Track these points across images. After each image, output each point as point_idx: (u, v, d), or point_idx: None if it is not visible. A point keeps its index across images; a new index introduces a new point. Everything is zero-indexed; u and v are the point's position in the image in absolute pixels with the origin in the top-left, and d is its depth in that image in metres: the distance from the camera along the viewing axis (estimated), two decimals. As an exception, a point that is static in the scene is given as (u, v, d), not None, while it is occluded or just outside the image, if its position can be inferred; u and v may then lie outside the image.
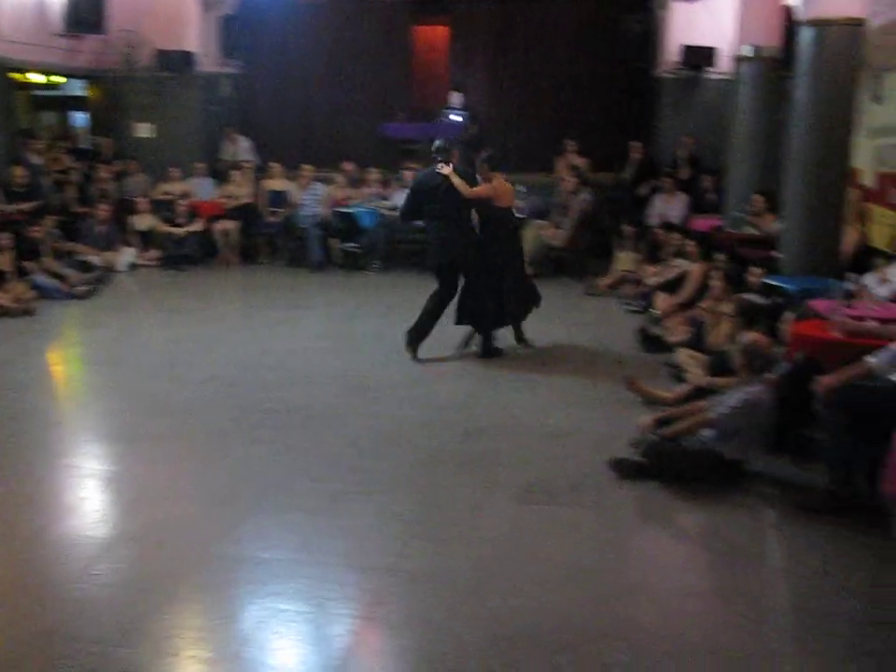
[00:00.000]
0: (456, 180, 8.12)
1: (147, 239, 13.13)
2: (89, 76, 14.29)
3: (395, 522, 4.77)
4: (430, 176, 8.31)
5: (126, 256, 12.72)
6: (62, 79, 14.62)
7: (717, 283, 7.75)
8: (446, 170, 8.18)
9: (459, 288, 8.46)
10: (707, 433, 5.42)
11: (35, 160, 12.56)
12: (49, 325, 9.69)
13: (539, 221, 12.29)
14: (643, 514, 5.11)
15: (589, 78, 14.91)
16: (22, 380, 7.54)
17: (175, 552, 4.47)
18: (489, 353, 8.36)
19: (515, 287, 8.53)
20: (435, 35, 16.21)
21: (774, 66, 10.64)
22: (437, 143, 8.39)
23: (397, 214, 12.38)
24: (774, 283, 7.57)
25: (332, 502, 5.02)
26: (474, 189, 8.24)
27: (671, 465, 5.39)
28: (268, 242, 13.52)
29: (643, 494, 5.24)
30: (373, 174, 13.67)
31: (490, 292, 8.36)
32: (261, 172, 14.12)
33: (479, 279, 8.38)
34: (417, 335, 8.30)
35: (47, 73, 13.93)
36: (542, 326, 9.50)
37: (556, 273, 12.14)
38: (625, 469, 5.43)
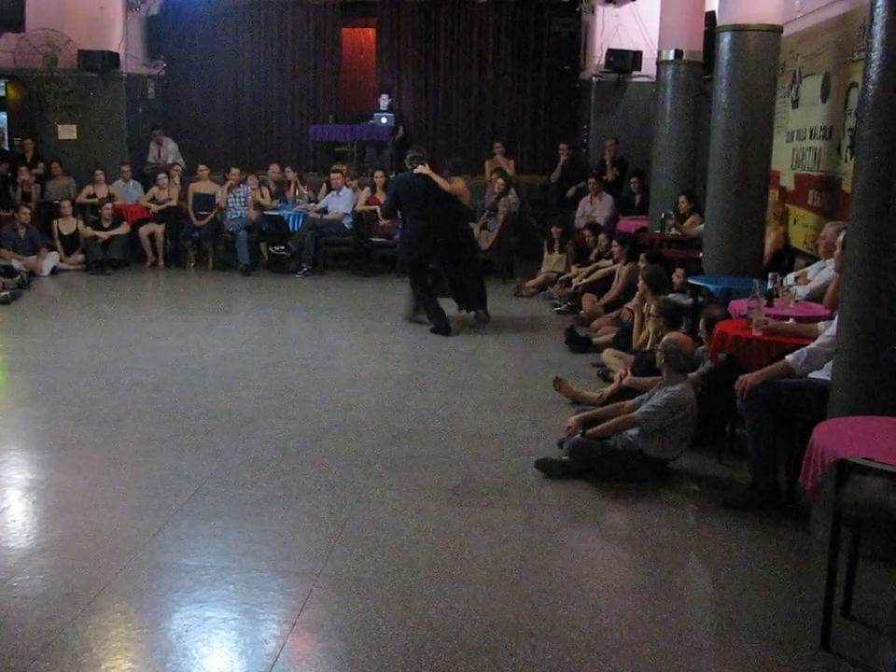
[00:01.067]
0: (439, 179, 9.20)
1: (71, 243, 12.91)
2: (7, 75, 13.99)
3: (320, 526, 4.75)
4: (408, 178, 9.25)
5: (50, 260, 12.50)
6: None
7: (641, 283, 7.85)
8: (425, 170, 9.15)
9: (447, 280, 9.56)
10: (631, 432, 5.49)
11: (-47, 162, 12.28)
12: (-31, 331, 9.48)
13: (466, 223, 12.32)
14: (569, 514, 5.15)
15: (517, 81, 15.03)
16: (-60, 388, 7.37)
17: (98, 561, 4.39)
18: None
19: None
20: (363, 36, 16.22)
21: (695, 70, 10.82)
22: (411, 153, 9.40)
23: (323, 217, 12.42)
24: (697, 283, 7.69)
25: (258, 507, 4.99)
26: (452, 185, 9.26)
27: (596, 464, 5.45)
28: (195, 245, 13.38)
29: (569, 493, 5.29)
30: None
31: (475, 275, 9.66)
32: (188, 174, 13.97)
33: (459, 267, 9.46)
34: (436, 320, 9.32)
35: (-38, 72, 13.62)
36: (469, 327, 9.56)
37: (484, 274, 12.16)
38: (551, 469, 5.48)
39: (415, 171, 9.17)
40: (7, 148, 14.41)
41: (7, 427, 6.65)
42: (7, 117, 14.80)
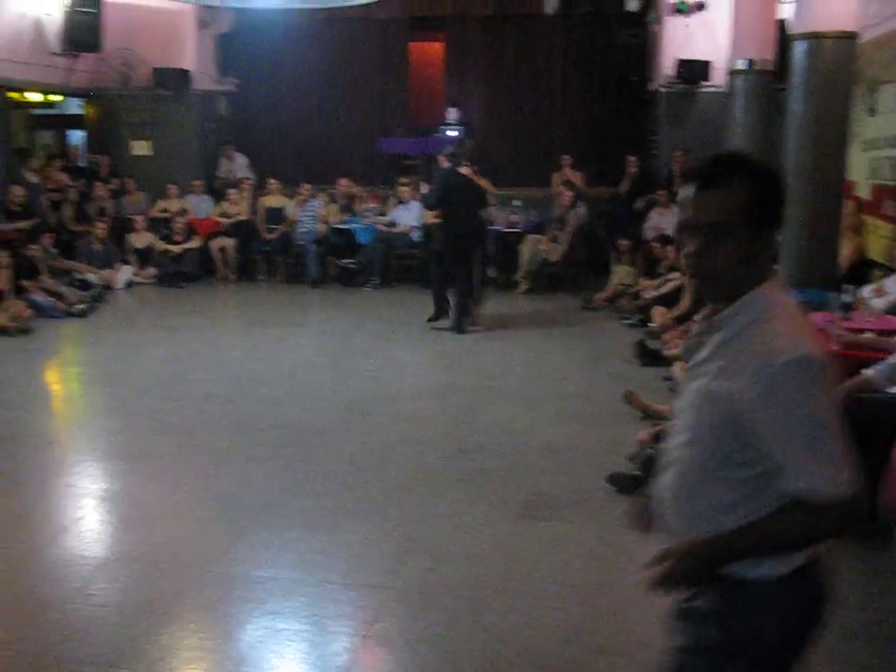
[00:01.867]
0: (482, 180, 10.30)
1: (144, 257, 13.15)
2: (86, 94, 14.33)
3: (391, 539, 4.76)
4: (453, 174, 9.94)
5: (124, 273, 12.73)
6: (58, 98, 14.65)
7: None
8: (468, 170, 10.01)
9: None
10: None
11: (33, 178, 12.58)
12: (47, 343, 9.68)
13: (535, 236, 12.29)
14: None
15: (584, 93, 14.96)
16: (19, 399, 7.53)
17: (172, 571, 4.45)
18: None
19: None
20: (431, 51, 16.28)
21: (767, 79, 10.67)
22: (450, 148, 10.22)
23: (392, 230, 12.49)
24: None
25: (329, 520, 5.01)
26: (484, 182, 10.49)
27: (669, 479, 5.37)
28: (265, 259, 13.52)
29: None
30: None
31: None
32: (259, 189, 14.15)
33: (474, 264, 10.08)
34: (459, 315, 9.88)
35: (44, 92, 13.96)
36: (539, 340, 9.54)
37: (553, 287, 12.15)
38: (623, 484, 5.41)
39: (459, 169, 10.04)
40: (83, 165, 14.74)
41: (83, 437, 6.79)
42: (86, 134, 15.17)
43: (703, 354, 2.12)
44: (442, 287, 10.23)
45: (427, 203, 10.81)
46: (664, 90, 13.35)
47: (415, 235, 12.62)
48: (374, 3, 12.32)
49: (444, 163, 10.20)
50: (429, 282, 10.51)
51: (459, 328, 9.86)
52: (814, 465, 1.93)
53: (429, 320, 10.16)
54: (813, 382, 1.92)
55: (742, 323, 2.02)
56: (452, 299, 10.11)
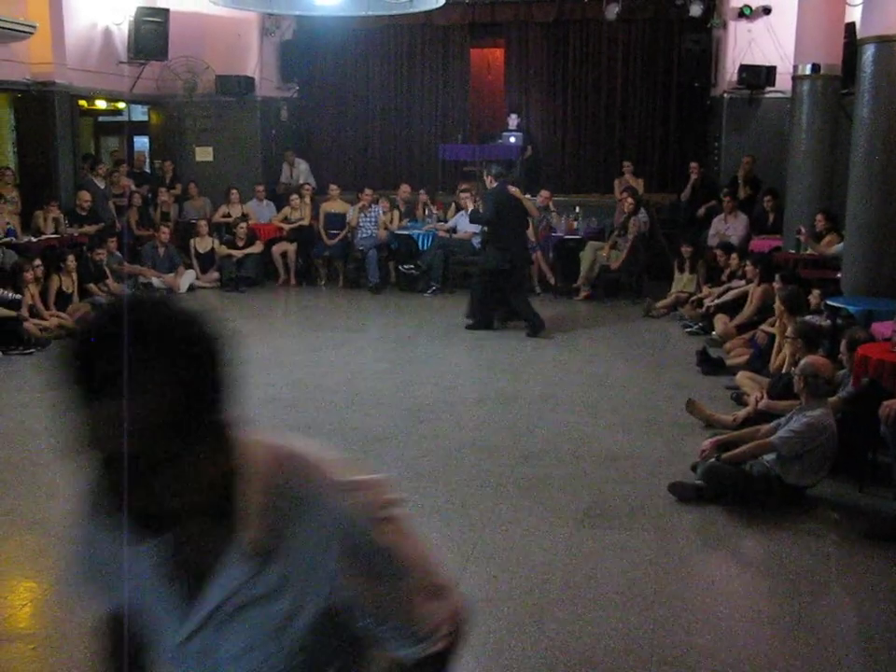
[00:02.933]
0: (528, 202, 10.55)
1: (207, 261, 13.31)
2: (151, 101, 14.58)
3: (452, 545, 4.77)
4: (505, 192, 10.09)
5: (187, 278, 12.90)
6: (124, 105, 14.92)
7: (777, 305, 7.65)
8: (517, 191, 10.21)
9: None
10: (768, 457, 5.35)
11: (100, 184, 12.83)
12: (112, 346, 9.82)
13: (595, 242, 12.25)
14: (703, 539, 5.05)
15: (646, 99, 14.87)
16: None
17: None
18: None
19: None
20: (492, 57, 16.30)
21: (834, 84, 10.52)
22: (497, 168, 10.34)
23: (453, 236, 12.52)
24: (836, 304, 7.45)
25: (390, 524, 5.02)
26: (528, 203, 10.59)
27: (732, 489, 5.32)
28: (326, 264, 13.63)
29: (703, 518, 5.18)
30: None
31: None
32: (320, 194, 14.27)
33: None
34: (533, 324, 10.05)
35: (111, 99, 14.24)
36: (600, 347, 9.50)
37: (614, 294, 12.09)
38: (685, 493, 5.37)
39: (509, 188, 10.20)
40: (148, 171, 14.99)
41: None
42: (150, 141, 15.43)
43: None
44: (485, 302, 10.36)
45: (478, 219, 10.87)
46: (727, 95, 13.23)
47: (476, 241, 12.63)
48: (436, 9, 12.36)
49: (492, 182, 10.26)
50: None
51: (537, 331, 10.01)
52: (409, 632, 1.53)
53: (469, 327, 10.29)
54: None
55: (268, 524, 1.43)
56: (502, 310, 10.46)
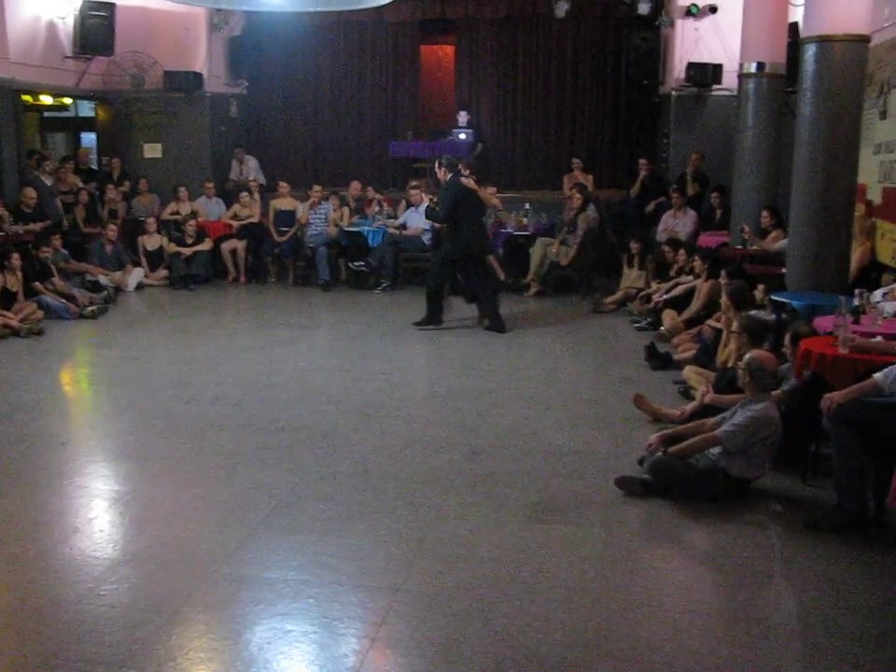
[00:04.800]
0: (483, 192, 10.70)
1: (155, 259, 13.20)
2: (97, 96, 14.40)
3: (400, 541, 4.77)
4: (461, 184, 10.05)
5: (135, 276, 12.78)
6: (70, 100, 14.71)
7: (724, 300, 7.73)
8: (470, 182, 10.25)
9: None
10: (713, 451, 5.41)
11: (46, 180, 12.64)
12: (58, 345, 9.72)
13: (545, 239, 12.30)
14: (650, 532, 5.10)
15: (595, 96, 14.99)
16: (30, 400, 7.56)
17: (181, 572, 4.47)
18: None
19: None
20: (442, 54, 16.32)
21: (779, 82, 10.66)
22: (450, 159, 10.26)
23: (403, 233, 12.50)
24: (780, 299, 7.55)
25: (338, 522, 5.02)
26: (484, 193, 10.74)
27: (678, 482, 5.38)
28: (276, 261, 13.57)
29: (650, 512, 5.23)
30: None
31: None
32: (269, 191, 14.19)
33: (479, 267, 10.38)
34: (493, 317, 10.12)
35: (56, 95, 14.04)
36: (550, 343, 9.55)
37: (563, 290, 12.15)
38: (632, 487, 5.42)
39: (463, 180, 10.16)
40: (95, 167, 14.81)
41: (94, 438, 6.82)
42: (97, 137, 15.23)
43: None
44: (439, 294, 10.44)
45: (435, 218, 10.65)
46: (674, 93, 13.37)
47: (426, 238, 12.63)
48: (385, 6, 12.34)
49: (445, 175, 10.12)
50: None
51: (500, 326, 10.07)
52: None
53: (418, 323, 10.23)
54: None
55: None
56: (456, 303, 10.69)
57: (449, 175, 10.08)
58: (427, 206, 10.90)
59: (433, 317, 10.24)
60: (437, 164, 10.36)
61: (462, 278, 10.70)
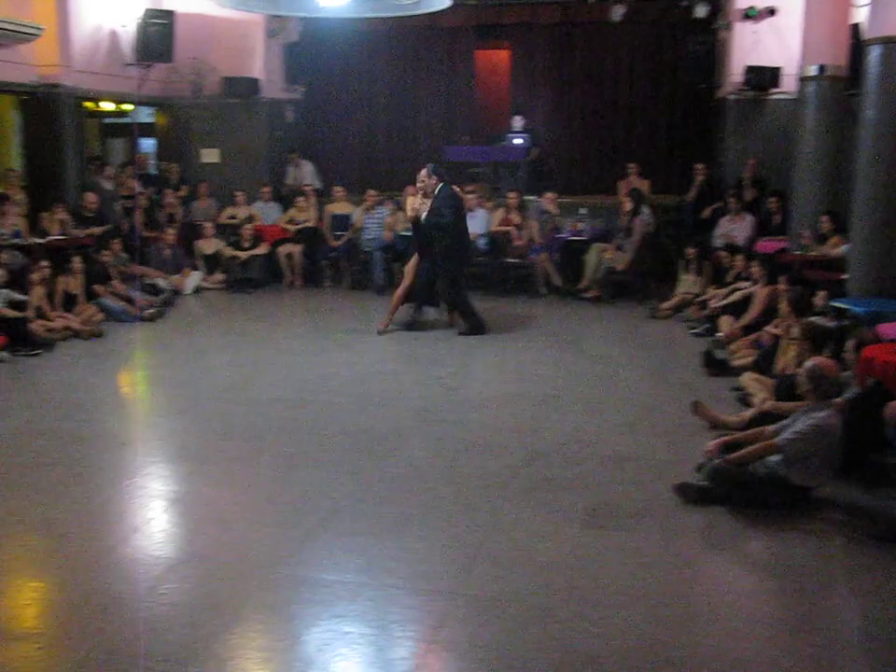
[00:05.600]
0: (469, 200, 10.80)
1: (212, 262, 13.34)
2: (157, 103, 14.61)
3: (457, 545, 4.77)
4: (450, 192, 10.01)
5: (192, 279, 12.92)
6: (130, 107, 14.93)
7: (783, 306, 7.64)
8: (459, 191, 10.34)
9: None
10: (773, 458, 5.34)
11: (106, 185, 12.85)
12: (118, 347, 9.87)
13: (600, 244, 12.24)
14: (709, 540, 5.05)
15: (651, 100, 14.86)
16: (91, 401, 7.69)
17: (240, 572, 4.51)
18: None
19: None
20: (497, 58, 16.29)
21: (840, 85, 10.52)
22: (437, 167, 10.09)
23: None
24: (841, 305, 7.44)
25: (396, 525, 5.04)
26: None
27: (737, 490, 5.32)
28: (332, 265, 13.64)
29: (708, 519, 5.18)
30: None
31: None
32: (325, 196, 14.28)
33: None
34: (471, 321, 10.07)
35: (117, 101, 14.26)
36: (605, 348, 9.50)
37: (619, 296, 12.08)
38: (690, 494, 5.37)
39: (453, 187, 10.17)
40: (154, 172, 15.01)
41: (154, 440, 6.90)
42: (156, 142, 15.45)
43: None
44: (468, 304, 10.30)
45: (443, 226, 9.97)
46: (732, 97, 13.21)
47: (481, 243, 12.62)
48: (441, 11, 12.35)
49: (437, 182, 9.93)
50: (494, 290, 10.50)
51: (476, 332, 10.08)
52: None
53: (462, 333, 10.12)
54: None
55: None
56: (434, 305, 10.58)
57: (440, 184, 9.94)
58: (429, 216, 10.02)
59: (477, 327, 10.12)
60: (425, 173, 10.00)
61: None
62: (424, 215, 9.90)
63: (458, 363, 9.06)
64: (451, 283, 10.18)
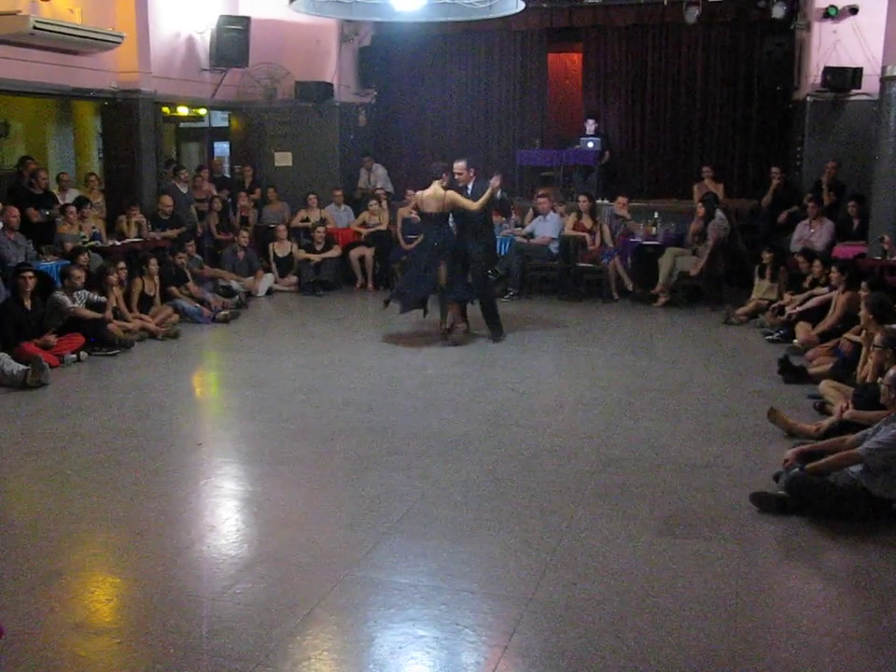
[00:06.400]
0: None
1: (285, 265, 13.47)
2: (231, 107, 14.81)
3: (531, 551, 4.74)
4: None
5: (265, 281, 13.08)
6: (204, 111, 15.17)
7: (863, 313, 7.47)
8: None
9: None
10: (854, 469, 5.22)
11: (182, 189, 13.07)
12: (193, 348, 10.03)
13: (674, 248, 12.11)
14: (786, 551, 4.95)
15: (727, 103, 14.68)
16: (167, 401, 7.81)
17: (314, 573, 4.53)
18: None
19: None
20: (569, 61, 16.24)
21: (924, 87, 10.26)
22: (438, 168, 9.92)
23: (531, 241, 12.49)
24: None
25: (469, 530, 5.03)
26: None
27: (816, 500, 5.21)
28: (403, 268, 13.67)
29: (786, 529, 5.08)
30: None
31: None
32: (397, 199, 14.34)
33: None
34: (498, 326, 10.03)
35: (193, 106, 14.50)
36: (679, 354, 9.39)
37: (692, 301, 11.94)
38: (767, 504, 5.27)
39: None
40: (228, 176, 15.22)
41: (228, 440, 6.99)
42: (230, 146, 15.67)
43: None
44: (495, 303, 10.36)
45: (507, 207, 10.73)
46: (810, 98, 12.98)
47: (553, 247, 12.58)
48: (513, 14, 12.34)
49: (473, 175, 10.14)
50: (566, 294, 10.33)
51: (501, 334, 10.09)
52: None
53: (496, 340, 10.05)
54: None
55: None
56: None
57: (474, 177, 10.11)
58: (501, 199, 10.54)
59: (501, 328, 10.13)
60: (464, 165, 10.06)
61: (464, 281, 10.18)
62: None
63: (529, 368, 9.01)
64: (484, 278, 10.19)
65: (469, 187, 10.06)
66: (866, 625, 4.19)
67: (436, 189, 9.74)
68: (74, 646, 3.89)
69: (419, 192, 10.04)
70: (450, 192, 9.71)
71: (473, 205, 9.75)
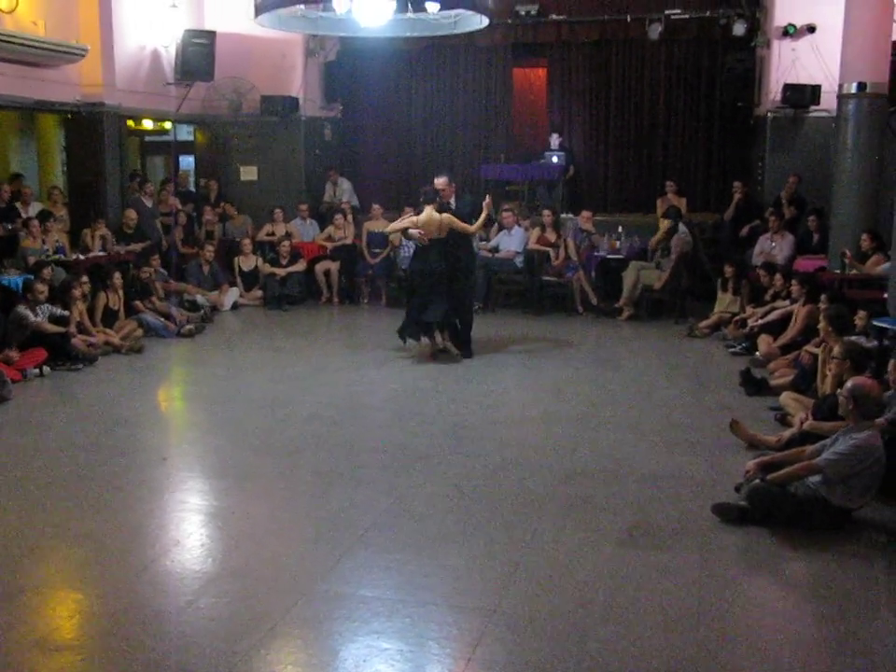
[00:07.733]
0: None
1: (251, 279, 13.44)
2: (196, 121, 14.78)
3: (495, 563, 4.77)
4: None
5: (231, 295, 13.03)
6: (169, 124, 15.12)
7: (823, 325, 7.58)
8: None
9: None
10: (814, 479, 5.29)
11: (146, 202, 13.01)
12: (157, 362, 9.97)
13: (638, 262, 12.20)
14: (748, 561, 5.01)
15: (689, 118, 14.83)
16: (131, 416, 7.77)
17: (278, 588, 4.53)
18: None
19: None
20: (534, 76, 16.34)
21: (880, 103, 10.44)
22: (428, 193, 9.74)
23: (495, 255, 12.55)
24: (882, 325, 7.37)
25: (433, 542, 5.04)
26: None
27: (777, 510, 5.28)
28: (369, 283, 13.70)
29: (747, 540, 5.14)
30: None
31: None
32: (362, 213, 14.36)
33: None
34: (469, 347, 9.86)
35: (158, 119, 14.45)
36: (643, 367, 9.47)
37: (657, 314, 12.04)
38: (729, 514, 5.33)
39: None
40: (193, 189, 15.18)
41: (192, 455, 6.96)
42: (196, 160, 15.62)
43: None
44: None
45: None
46: (770, 114, 13.17)
47: (518, 261, 12.65)
48: (478, 30, 12.43)
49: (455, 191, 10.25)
50: (531, 307, 10.29)
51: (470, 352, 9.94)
52: None
53: (466, 356, 9.86)
54: None
55: None
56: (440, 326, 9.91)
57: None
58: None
59: (471, 349, 9.97)
60: (446, 181, 10.01)
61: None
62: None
63: (494, 381, 9.05)
64: (471, 294, 10.20)
65: (452, 202, 10.09)
66: (825, 632, 4.25)
67: (430, 213, 9.61)
68: (34, 663, 3.86)
69: (413, 217, 9.84)
70: (445, 216, 9.63)
71: (471, 228, 9.77)
